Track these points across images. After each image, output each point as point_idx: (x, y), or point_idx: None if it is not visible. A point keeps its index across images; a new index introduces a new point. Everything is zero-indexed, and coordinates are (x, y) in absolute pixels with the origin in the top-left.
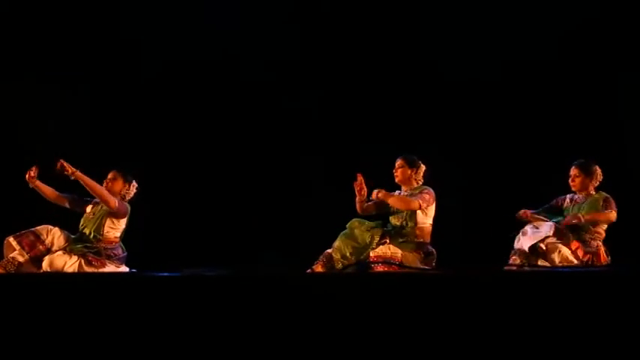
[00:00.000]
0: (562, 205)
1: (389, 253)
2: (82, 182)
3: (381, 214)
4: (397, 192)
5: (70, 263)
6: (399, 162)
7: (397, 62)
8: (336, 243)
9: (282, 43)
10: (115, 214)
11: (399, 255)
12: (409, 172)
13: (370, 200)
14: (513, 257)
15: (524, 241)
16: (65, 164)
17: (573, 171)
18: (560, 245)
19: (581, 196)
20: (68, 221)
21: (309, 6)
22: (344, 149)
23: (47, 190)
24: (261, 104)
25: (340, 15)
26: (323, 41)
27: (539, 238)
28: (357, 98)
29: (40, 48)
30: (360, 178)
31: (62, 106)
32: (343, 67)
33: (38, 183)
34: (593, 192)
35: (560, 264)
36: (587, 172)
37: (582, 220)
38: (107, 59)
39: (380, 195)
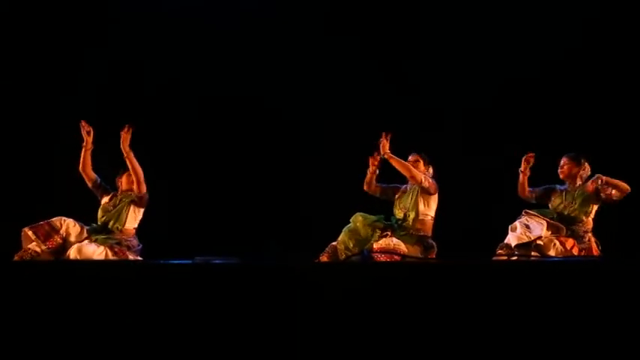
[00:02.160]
0: (551, 194)
1: (392, 245)
2: (129, 161)
3: (383, 199)
4: (405, 185)
5: (98, 252)
6: (414, 157)
7: (399, 61)
8: (341, 236)
9: (281, 44)
10: (140, 201)
11: (402, 247)
12: (423, 168)
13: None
14: (499, 251)
15: (512, 237)
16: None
17: (563, 160)
18: (555, 239)
19: (571, 185)
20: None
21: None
22: (346, 149)
23: (88, 160)
24: (262, 102)
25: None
26: (320, 41)
27: (528, 239)
28: (360, 97)
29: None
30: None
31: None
32: (343, 65)
33: (90, 148)
34: (580, 182)
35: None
36: (576, 162)
37: (602, 181)
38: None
39: (386, 155)
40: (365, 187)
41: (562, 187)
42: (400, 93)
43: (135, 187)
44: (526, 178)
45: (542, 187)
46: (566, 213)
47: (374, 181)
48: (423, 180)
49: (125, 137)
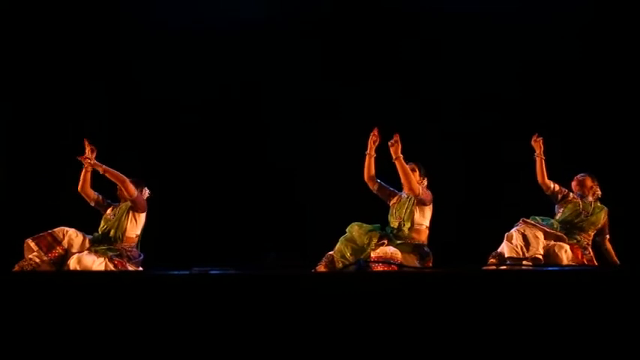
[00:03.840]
0: (567, 198)
1: (389, 254)
2: (108, 174)
3: (379, 197)
4: (400, 193)
5: (97, 263)
6: (411, 165)
7: (400, 77)
8: (337, 245)
9: (282, 50)
10: (135, 205)
11: (399, 255)
12: (419, 178)
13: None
14: (491, 260)
15: (506, 247)
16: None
17: (582, 175)
18: (566, 246)
19: (584, 195)
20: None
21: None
22: (344, 159)
23: (87, 181)
24: (266, 111)
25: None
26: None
27: (523, 256)
28: (360, 108)
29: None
30: (376, 130)
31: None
32: (345, 69)
33: (89, 170)
34: (592, 199)
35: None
36: (592, 177)
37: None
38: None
39: (394, 149)
40: (365, 177)
41: (578, 195)
42: (401, 95)
43: (124, 193)
44: (543, 161)
45: (562, 187)
46: (576, 221)
47: (373, 171)
48: (420, 192)
49: (92, 158)
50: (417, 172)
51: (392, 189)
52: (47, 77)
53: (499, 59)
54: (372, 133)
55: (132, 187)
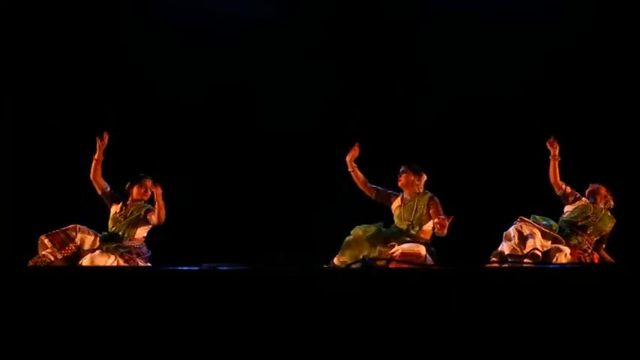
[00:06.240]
0: (579, 201)
1: (416, 250)
2: (157, 193)
3: (378, 202)
4: (401, 194)
5: (110, 262)
6: (403, 169)
7: (400, 79)
8: (341, 250)
9: (287, 51)
10: (149, 222)
11: (422, 250)
12: (412, 178)
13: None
14: (493, 259)
15: (505, 245)
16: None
17: (598, 184)
18: (566, 249)
19: (596, 202)
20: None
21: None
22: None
23: (99, 170)
24: (274, 110)
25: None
26: (326, 51)
27: (521, 252)
28: (360, 108)
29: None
30: (356, 146)
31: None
32: (352, 78)
33: (101, 159)
34: (602, 206)
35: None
36: (607, 187)
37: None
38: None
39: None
40: (360, 187)
41: (590, 201)
42: (401, 95)
43: (153, 216)
44: (556, 163)
45: (574, 190)
46: (581, 222)
47: (364, 180)
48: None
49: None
50: (410, 173)
51: (390, 191)
52: (49, 76)
53: (499, 59)
54: (352, 149)
55: (164, 215)
